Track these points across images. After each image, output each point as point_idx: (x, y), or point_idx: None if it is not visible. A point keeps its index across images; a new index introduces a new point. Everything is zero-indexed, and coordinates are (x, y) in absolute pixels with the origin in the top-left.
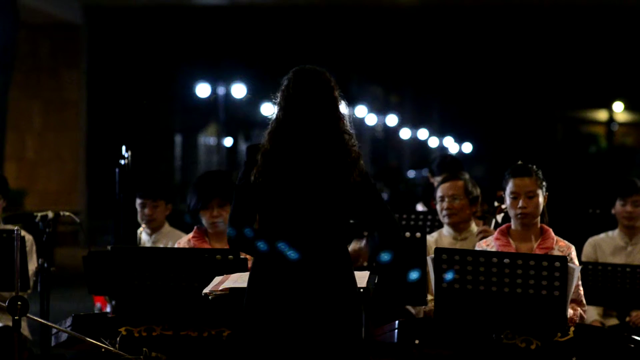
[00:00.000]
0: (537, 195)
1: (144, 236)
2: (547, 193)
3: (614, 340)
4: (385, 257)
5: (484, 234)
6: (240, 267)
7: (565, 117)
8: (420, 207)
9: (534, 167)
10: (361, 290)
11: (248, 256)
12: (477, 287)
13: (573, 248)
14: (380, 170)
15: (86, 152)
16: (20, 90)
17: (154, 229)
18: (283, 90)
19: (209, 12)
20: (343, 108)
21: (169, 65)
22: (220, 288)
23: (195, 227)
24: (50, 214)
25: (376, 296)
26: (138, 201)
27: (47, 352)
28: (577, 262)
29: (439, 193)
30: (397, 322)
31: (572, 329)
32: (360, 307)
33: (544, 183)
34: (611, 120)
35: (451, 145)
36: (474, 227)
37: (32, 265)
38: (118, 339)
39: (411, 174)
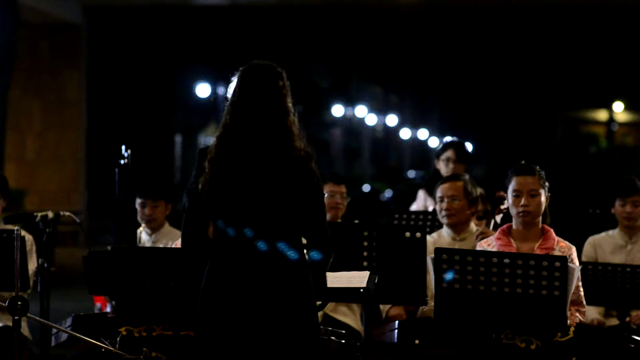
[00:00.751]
0: (539, 195)
1: (144, 236)
2: (549, 194)
3: (614, 340)
4: (315, 255)
5: (482, 236)
6: None
7: (566, 117)
8: (421, 194)
9: (537, 167)
10: (361, 290)
11: None
12: (477, 287)
13: (574, 249)
14: (380, 170)
15: (86, 152)
16: (20, 90)
17: (154, 229)
18: (232, 92)
19: (209, 12)
20: (290, 104)
21: (169, 65)
22: None
23: None
24: (50, 214)
25: (376, 296)
26: (138, 201)
27: (47, 352)
28: (577, 263)
29: (438, 193)
30: (397, 322)
31: (572, 329)
32: (315, 311)
33: (547, 183)
34: (611, 120)
35: None
36: (473, 227)
37: (32, 265)
38: (118, 339)
39: (411, 173)
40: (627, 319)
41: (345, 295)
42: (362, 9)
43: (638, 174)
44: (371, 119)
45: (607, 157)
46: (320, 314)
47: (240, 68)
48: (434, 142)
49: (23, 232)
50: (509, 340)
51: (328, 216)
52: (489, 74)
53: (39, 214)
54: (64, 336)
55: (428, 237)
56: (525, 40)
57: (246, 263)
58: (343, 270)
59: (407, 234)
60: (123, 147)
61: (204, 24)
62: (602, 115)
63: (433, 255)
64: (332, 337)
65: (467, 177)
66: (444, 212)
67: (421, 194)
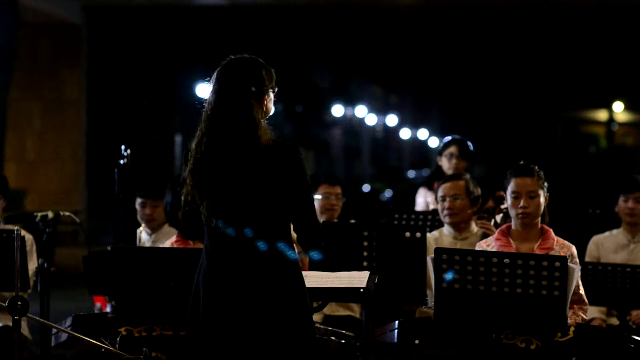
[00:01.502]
0: (538, 196)
1: (144, 235)
2: (548, 194)
3: (614, 340)
4: (315, 256)
5: (486, 231)
6: None
7: (565, 117)
8: (422, 192)
9: (536, 167)
10: (361, 290)
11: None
12: (477, 287)
13: (573, 248)
14: (380, 170)
15: (86, 152)
16: (20, 91)
17: (153, 229)
18: (207, 97)
19: (209, 12)
20: (265, 96)
21: (169, 65)
22: None
23: (177, 232)
24: (50, 214)
25: (376, 296)
26: (138, 201)
27: (47, 352)
28: (577, 262)
29: (440, 192)
30: (397, 322)
31: (572, 329)
32: (307, 308)
33: (546, 183)
34: (611, 120)
35: None
36: (474, 227)
37: (32, 265)
38: (118, 339)
39: (411, 174)
40: (627, 317)
41: (345, 295)
42: (363, 9)
43: (638, 174)
44: (371, 119)
45: (607, 157)
46: (320, 316)
47: (217, 69)
48: (434, 142)
49: (23, 232)
50: (509, 340)
51: (323, 218)
52: (489, 74)
53: (39, 214)
54: (64, 336)
55: (429, 235)
56: (525, 40)
57: (238, 263)
58: (343, 271)
59: (407, 234)
60: (123, 147)
61: (204, 24)
62: (602, 115)
63: (433, 255)
64: (332, 337)
65: (468, 176)
66: (445, 211)
67: (422, 191)
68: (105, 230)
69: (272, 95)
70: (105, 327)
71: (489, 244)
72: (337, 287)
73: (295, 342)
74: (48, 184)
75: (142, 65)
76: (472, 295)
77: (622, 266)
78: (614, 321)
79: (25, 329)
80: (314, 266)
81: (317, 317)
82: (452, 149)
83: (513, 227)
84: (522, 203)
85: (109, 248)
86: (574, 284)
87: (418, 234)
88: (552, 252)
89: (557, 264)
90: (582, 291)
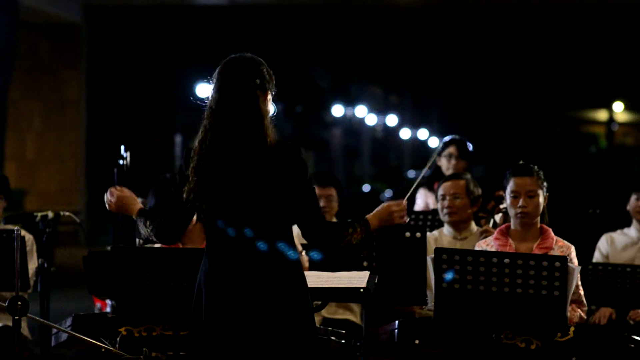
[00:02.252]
0: (537, 195)
1: None
2: (547, 194)
3: (614, 340)
4: (314, 256)
5: (486, 234)
6: None
7: (565, 117)
8: (422, 192)
9: (535, 167)
10: (361, 290)
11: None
12: (477, 287)
13: (573, 248)
14: (380, 170)
15: (86, 152)
16: (20, 91)
17: None
18: (210, 95)
19: (209, 12)
20: (265, 103)
21: (169, 65)
22: None
23: None
24: (50, 214)
25: (376, 296)
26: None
27: (47, 352)
28: (576, 262)
29: (440, 191)
30: (397, 322)
31: (572, 329)
32: (309, 308)
33: (545, 183)
34: (611, 120)
35: None
36: (474, 227)
37: (33, 265)
38: (118, 339)
39: (411, 174)
40: (628, 317)
41: (345, 295)
42: (362, 9)
43: (638, 174)
44: (371, 119)
45: (607, 157)
46: (318, 318)
47: (217, 68)
48: (433, 142)
49: (23, 232)
50: (508, 340)
51: None
52: (489, 74)
53: (39, 214)
54: (64, 336)
55: (429, 234)
56: (525, 40)
57: (240, 263)
58: (343, 271)
59: (407, 234)
60: (122, 147)
61: (204, 24)
62: (602, 115)
63: (433, 255)
64: (332, 337)
65: (469, 176)
66: (445, 210)
67: (421, 191)
68: (105, 231)
69: (270, 96)
70: (105, 327)
71: (488, 244)
72: (337, 287)
73: (297, 342)
74: (48, 184)
75: (142, 65)
76: (472, 295)
77: (622, 266)
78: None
79: (25, 329)
80: (314, 266)
81: (315, 319)
82: (451, 149)
83: (512, 226)
84: (521, 203)
85: (109, 248)
86: (574, 284)
87: (418, 234)
88: (551, 252)
89: (557, 264)
90: (581, 292)
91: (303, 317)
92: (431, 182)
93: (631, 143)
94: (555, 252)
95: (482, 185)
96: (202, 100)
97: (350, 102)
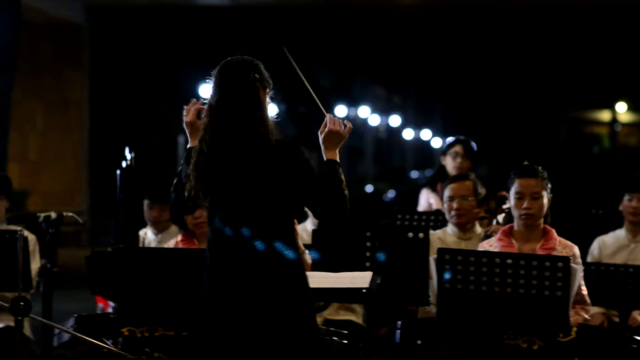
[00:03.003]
0: (541, 197)
1: (150, 235)
2: (551, 195)
3: (616, 340)
4: (313, 255)
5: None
6: None
7: (568, 118)
8: (424, 192)
9: (540, 168)
10: (364, 291)
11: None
12: (479, 287)
13: (576, 248)
14: (383, 170)
15: (89, 153)
16: (22, 91)
17: (160, 230)
18: (209, 95)
19: (212, 12)
20: (264, 100)
21: (171, 65)
22: None
23: (181, 232)
24: (53, 215)
25: (378, 296)
26: (146, 202)
27: (49, 352)
28: (580, 263)
29: (447, 193)
30: (399, 322)
31: (574, 329)
32: (310, 308)
33: (549, 185)
34: (614, 120)
35: None
36: (478, 227)
37: (35, 265)
38: (120, 339)
39: (414, 174)
40: (629, 322)
41: (348, 296)
42: (365, 9)
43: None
44: (374, 120)
45: (610, 157)
46: (320, 319)
47: (216, 69)
48: (437, 143)
49: (26, 233)
50: (511, 340)
51: (313, 226)
52: (492, 75)
53: (42, 215)
54: (67, 336)
55: (433, 233)
56: (528, 41)
57: (241, 259)
58: (345, 271)
59: (410, 235)
60: (127, 149)
61: (207, 24)
62: (605, 115)
63: (436, 256)
64: (335, 338)
65: (474, 176)
66: (454, 212)
67: (424, 191)
68: (108, 231)
69: (268, 97)
70: (108, 327)
71: (492, 244)
72: (340, 287)
73: (299, 342)
74: (51, 184)
75: (145, 66)
76: (474, 296)
77: (625, 266)
78: (614, 318)
79: (27, 329)
80: (317, 266)
81: (317, 320)
82: (457, 148)
83: (516, 227)
84: (525, 204)
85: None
86: (577, 284)
87: (421, 235)
88: (555, 253)
89: (560, 264)
90: (584, 291)
91: (303, 316)
92: (434, 182)
93: (634, 143)
94: (559, 252)
95: (485, 186)
96: (204, 99)
97: (353, 102)
